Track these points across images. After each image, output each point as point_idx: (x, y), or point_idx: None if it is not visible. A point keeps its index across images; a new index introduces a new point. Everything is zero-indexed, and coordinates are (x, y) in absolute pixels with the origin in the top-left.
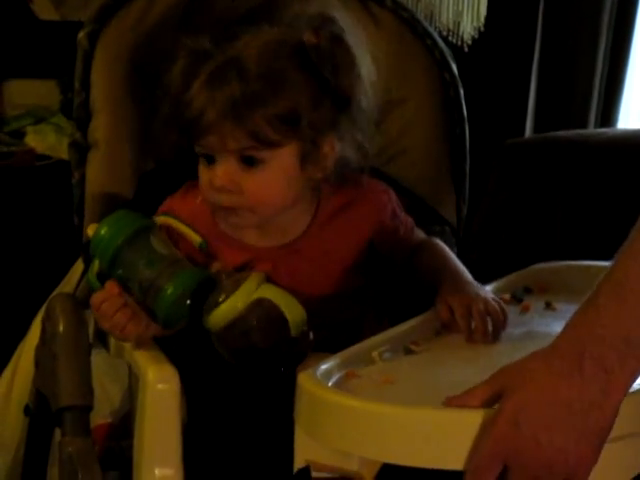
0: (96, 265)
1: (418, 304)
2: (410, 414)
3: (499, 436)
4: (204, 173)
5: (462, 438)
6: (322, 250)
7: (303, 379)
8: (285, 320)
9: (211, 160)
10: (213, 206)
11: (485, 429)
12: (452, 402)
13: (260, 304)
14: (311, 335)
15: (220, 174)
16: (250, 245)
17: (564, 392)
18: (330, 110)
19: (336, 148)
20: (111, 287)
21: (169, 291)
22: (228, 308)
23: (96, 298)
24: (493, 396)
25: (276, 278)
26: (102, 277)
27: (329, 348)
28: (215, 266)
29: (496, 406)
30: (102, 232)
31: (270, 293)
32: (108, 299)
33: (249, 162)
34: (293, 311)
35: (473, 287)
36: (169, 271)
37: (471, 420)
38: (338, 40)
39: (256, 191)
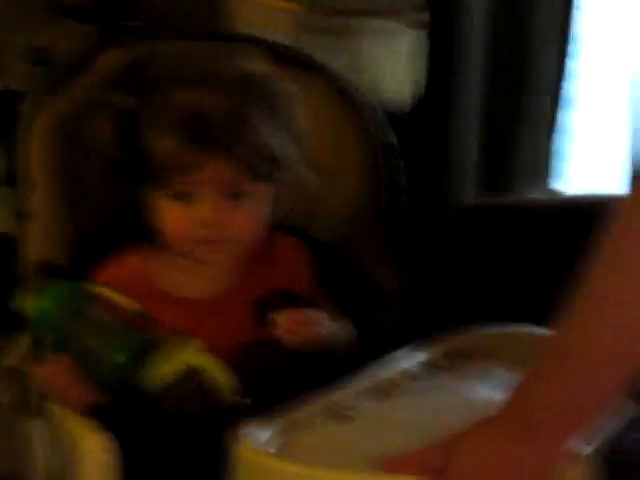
0: (40, 334)
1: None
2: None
3: None
4: (178, 213)
5: None
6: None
7: (241, 448)
8: (217, 388)
9: (185, 198)
10: (192, 243)
11: None
12: (395, 466)
13: (194, 371)
14: (248, 401)
15: (208, 208)
16: (188, 299)
17: (510, 458)
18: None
19: (286, 200)
20: (55, 358)
21: (115, 358)
22: (163, 373)
23: (39, 369)
24: (439, 461)
25: (221, 328)
26: (43, 347)
27: (262, 403)
28: (157, 328)
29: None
30: (35, 305)
31: (204, 361)
32: (53, 365)
33: (234, 196)
34: (225, 380)
35: None
36: (112, 337)
37: None
38: (285, 93)
39: (241, 224)
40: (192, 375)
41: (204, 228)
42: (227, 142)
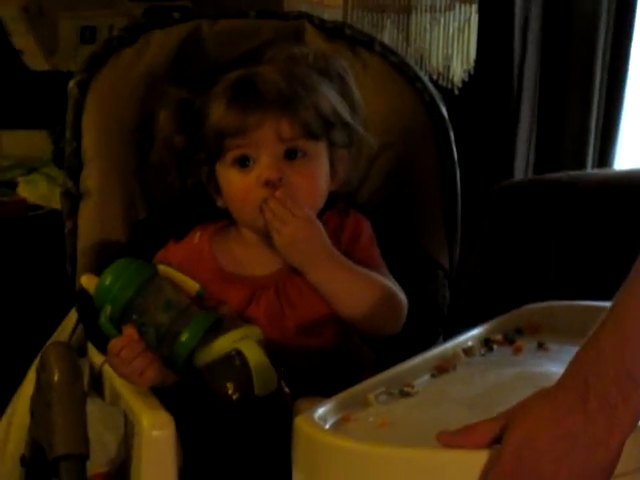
0: (108, 311)
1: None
2: (412, 455)
3: (503, 471)
4: (239, 179)
5: (464, 478)
6: None
7: (301, 423)
8: (250, 378)
9: (245, 163)
10: (258, 208)
11: (490, 464)
12: (453, 440)
13: (235, 355)
14: (287, 390)
15: (267, 166)
16: (250, 277)
17: (569, 428)
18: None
19: (345, 166)
20: (130, 333)
21: (184, 338)
22: (212, 351)
23: (116, 344)
24: (497, 433)
25: (281, 305)
26: (112, 323)
27: (320, 377)
28: (223, 309)
29: (498, 446)
30: (107, 282)
31: (247, 349)
32: (128, 345)
33: (292, 155)
34: (261, 372)
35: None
36: (185, 317)
37: (474, 460)
38: (343, 70)
39: (301, 181)
40: (235, 358)
41: (266, 187)
42: (281, 99)
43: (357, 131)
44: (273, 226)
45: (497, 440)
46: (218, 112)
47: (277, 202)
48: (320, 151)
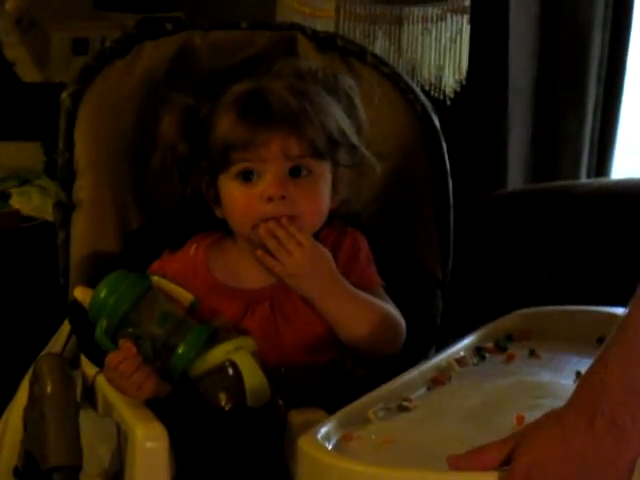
0: (103, 325)
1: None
2: (421, 477)
3: None
4: (242, 192)
5: None
6: None
7: (305, 444)
8: (243, 389)
9: (249, 177)
10: (255, 222)
11: None
12: (463, 463)
13: (228, 366)
14: (280, 401)
15: (271, 183)
16: (246, 290)
17: (577, 448)
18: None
19: (346, 185)
20: (128, 347)
21: (181, 350)
22: (207, 361)
23: (114, 358)
24: (506, 455)
25: (275, 319)
26: (108, 336)
27: (315, 391)
28: (218, 321)
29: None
30: (102, 296)
31: (241, 360)
32: (126, 359)
33: (297, 172)
34: (254, 383)
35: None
36: (181, 330)
37: None
38: (351, 88)
39: (304, 200)
40: (228, 368)
41: (268, 203)
42: (290, 117)
43: (361, 152)
44: (278, 257)
45: (506, 462)
46: (226, 124)
47: (282, 231)
48: (324, 170)
